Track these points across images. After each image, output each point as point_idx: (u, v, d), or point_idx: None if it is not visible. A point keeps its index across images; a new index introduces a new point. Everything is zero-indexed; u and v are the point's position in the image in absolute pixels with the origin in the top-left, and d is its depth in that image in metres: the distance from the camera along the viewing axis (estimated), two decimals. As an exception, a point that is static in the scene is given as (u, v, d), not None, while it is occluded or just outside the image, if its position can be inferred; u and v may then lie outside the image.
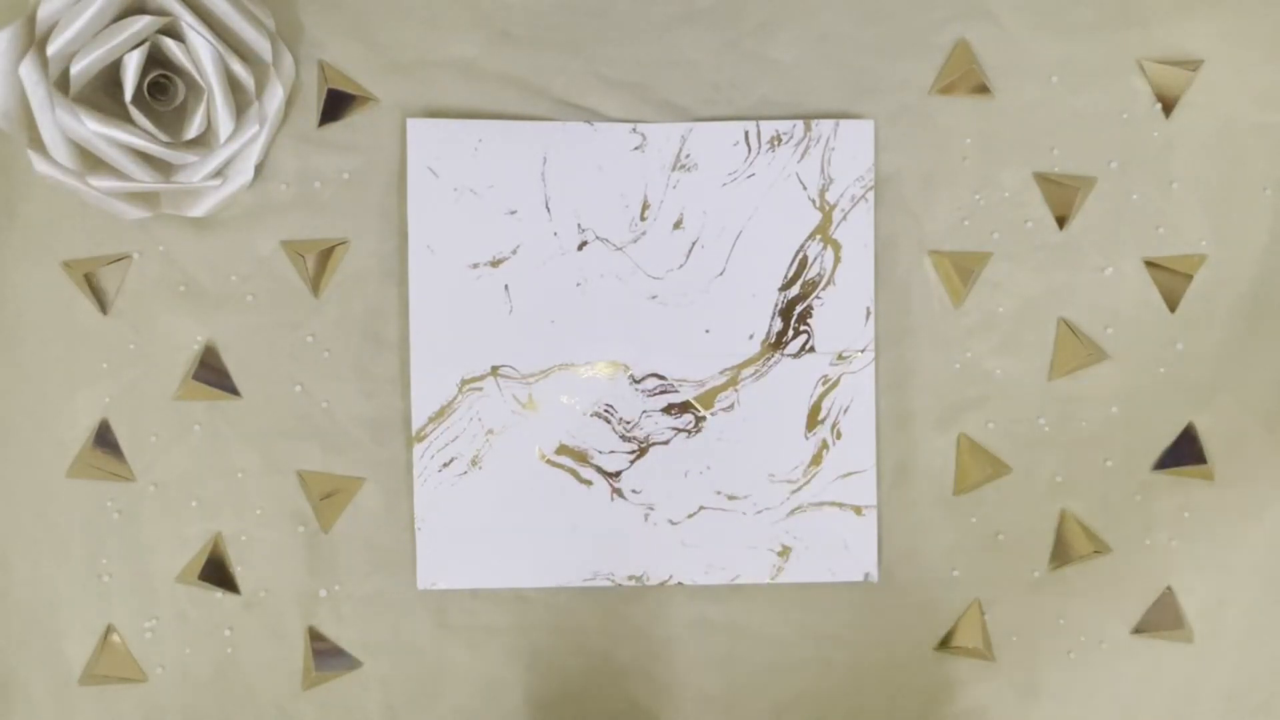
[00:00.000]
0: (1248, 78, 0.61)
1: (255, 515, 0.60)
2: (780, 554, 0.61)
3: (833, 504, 0.61)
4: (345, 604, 0.61)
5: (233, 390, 0.60)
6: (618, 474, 0.61)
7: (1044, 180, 0.61)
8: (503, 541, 0.60)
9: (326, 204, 0.60)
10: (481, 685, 0.61)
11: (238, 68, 0.56)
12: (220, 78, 0.56)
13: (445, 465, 0.60)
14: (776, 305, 0.61)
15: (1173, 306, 0.62)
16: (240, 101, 0.57)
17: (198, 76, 0.55)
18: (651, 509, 0.61)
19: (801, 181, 0.60)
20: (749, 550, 0.61)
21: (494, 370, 0.60)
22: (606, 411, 0.61)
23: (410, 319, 0.60)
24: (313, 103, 0.60)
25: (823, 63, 0.61)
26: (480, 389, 0.60)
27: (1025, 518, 0.62)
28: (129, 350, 0.60)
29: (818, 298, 0.61)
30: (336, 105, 0.60)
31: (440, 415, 0.60)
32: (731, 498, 0.61)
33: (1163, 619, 0.62)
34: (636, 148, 0.60)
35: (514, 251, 0.60)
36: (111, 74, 0.56)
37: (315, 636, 0.61)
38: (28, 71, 0.54)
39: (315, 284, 0.60)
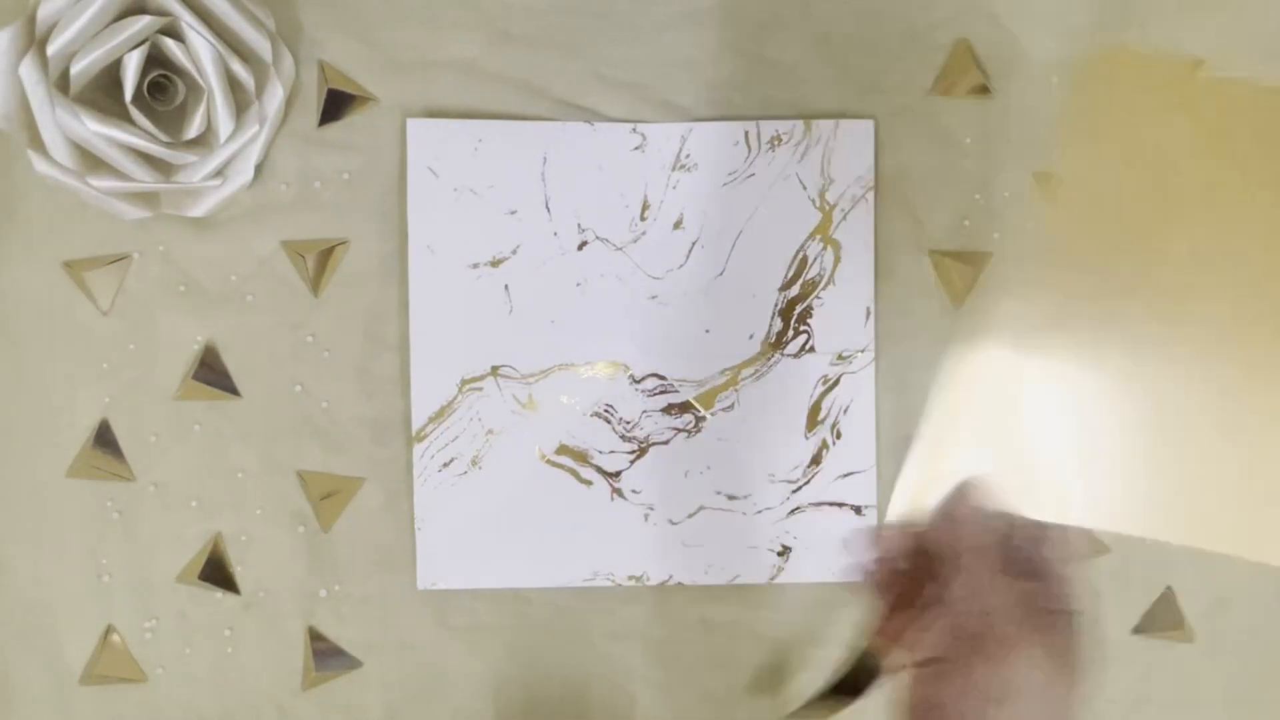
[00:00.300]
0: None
1: (255, 515, 0.60)
2: (780, 554, 0.61)
3: (833, 504, 0.61)
4: (345, 604, 0.61)
5: (233, 390, 0.60)
6: (618, 474, 0.61)
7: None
8: (503, 541, 0.60)
9: (326, 204, 0.60)
10: (481, 685, 0.61)
11: (238, 68, 0.56)
12: (220, 78, 0.56)
13: (445, 465, 0.60)
14: (776, 305, 0.61)
15: (1173, 306, 0.62)
16: (240, 101, 0.57)
17: (198, 76, 0.55)
18: (651, 509, 0.61)
19: (801, 181, 0.60)
20: (749, 550, 0.61)
21: (494, 370, 0.60)
22: (606, 411, 0.61)
23: (410, 319, 0.60)
24: (313, 103, 0.60)
25: (823, 63, 0.61)
26: (480, 389, 0.60)
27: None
28: (129, 350, 0.60)
29: (818, 298, 0.61)
30: (336, 105, 0.60)
31: (440, 415, 0.60)
32: (731, 498, 0.61)
33: (1163, 619, 0.62)
34: (636, 148, 0.60)
35: (514, 251, 0.60)
36: (111, 74, 0.56)
37: (315, 636, 0.61)
38: (28, 71, 0.54)
39: (315, 284, 0.60)
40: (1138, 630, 0.62)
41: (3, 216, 0.59)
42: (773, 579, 0.61)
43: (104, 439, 0.60)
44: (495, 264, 0.60)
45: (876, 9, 0.61)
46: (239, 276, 0.60)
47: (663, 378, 0.61)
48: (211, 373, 0.60)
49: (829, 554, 0.61)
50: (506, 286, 0.60)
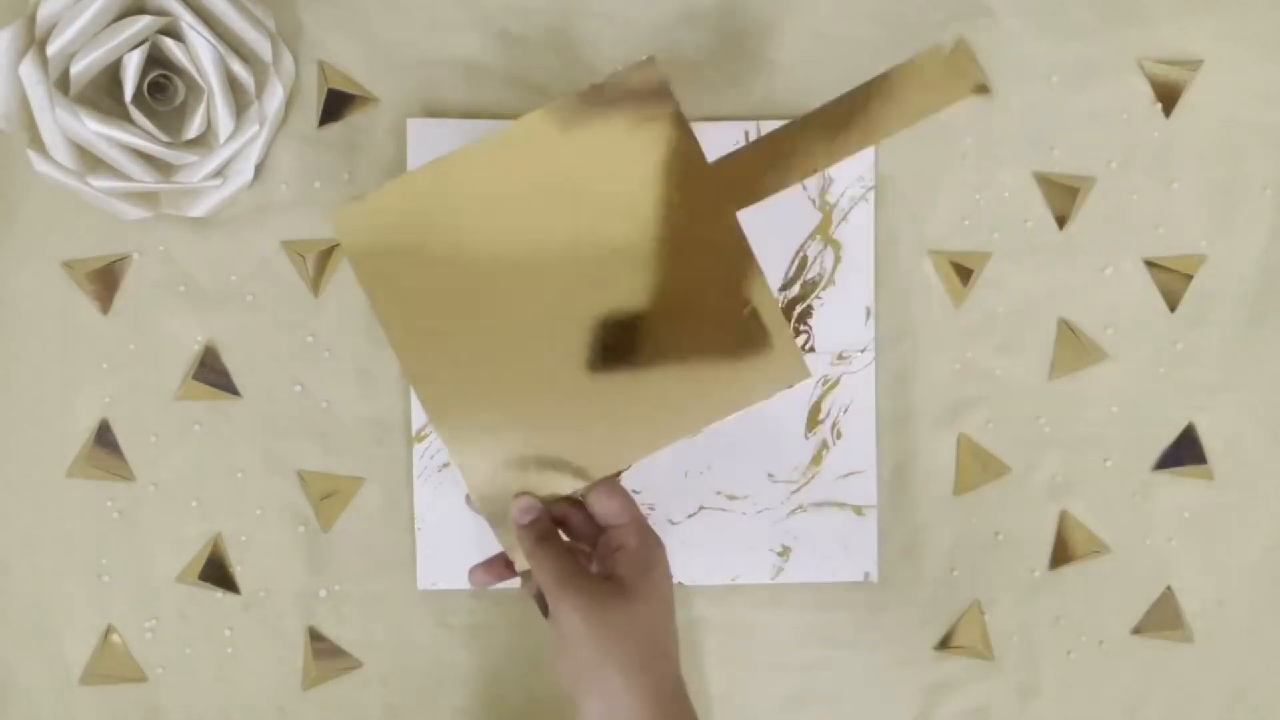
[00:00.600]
0: (1248, 78, 0.61)
1: (255, 515, 0.60)
2: (780, 554, 0.61)
3: (833, 504, 0.61)
4: (345, 604, 0.61)
5: (233, 390, 0.60)
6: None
7: (1044, 180, 0.61)
8: (503, 541, 0.60)
9: (326, 204, 0.60)
10: (481, 685, 0.61)
11: (238, 68, 0.56)
12: (220, 78, 0.56)
13: (445, 465, 0.60)
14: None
15: (1173, 306, 0.62)
16: (240, 101, 0.57)
17: (198, 76, 0.55)
18: (651, 509, 0.61)
19: (801, 182, 0.60)
20: (749, 550, 0.61)
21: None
22: (606, 411, 0.61)
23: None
24: (313, 103, 0.60)
25: (823, 63, 0.61)
26: (480, 389, 0.60)
27: (1025, 518, 0.62)
28: (129, 350, 0.60)
29: (818, 298, 0.61)
30: (336, 105, 0.60)
31: (440, 415, 0.60)
32: (731, 498, 0.61)
33: (1163, 619, 0.62)
34: (636, 148, 0.60)
35: (514, 251, 0.60)
36: (111, 74, 0.56)
37: (315, 636, 0.61)
38: (28, 71, 0.54)
39: (315, 284, 0.60)
40: (1138, 630, 0.62)
41: (3, 216, 0.59)
42: (773, 579, 0.61)
43: (104, 439, 0.60)
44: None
45: (876, 9, 0.61)
46: (239, 276, 0.60)
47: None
48: (211, 373, 0.60)
49: (829, 554, 0.61)
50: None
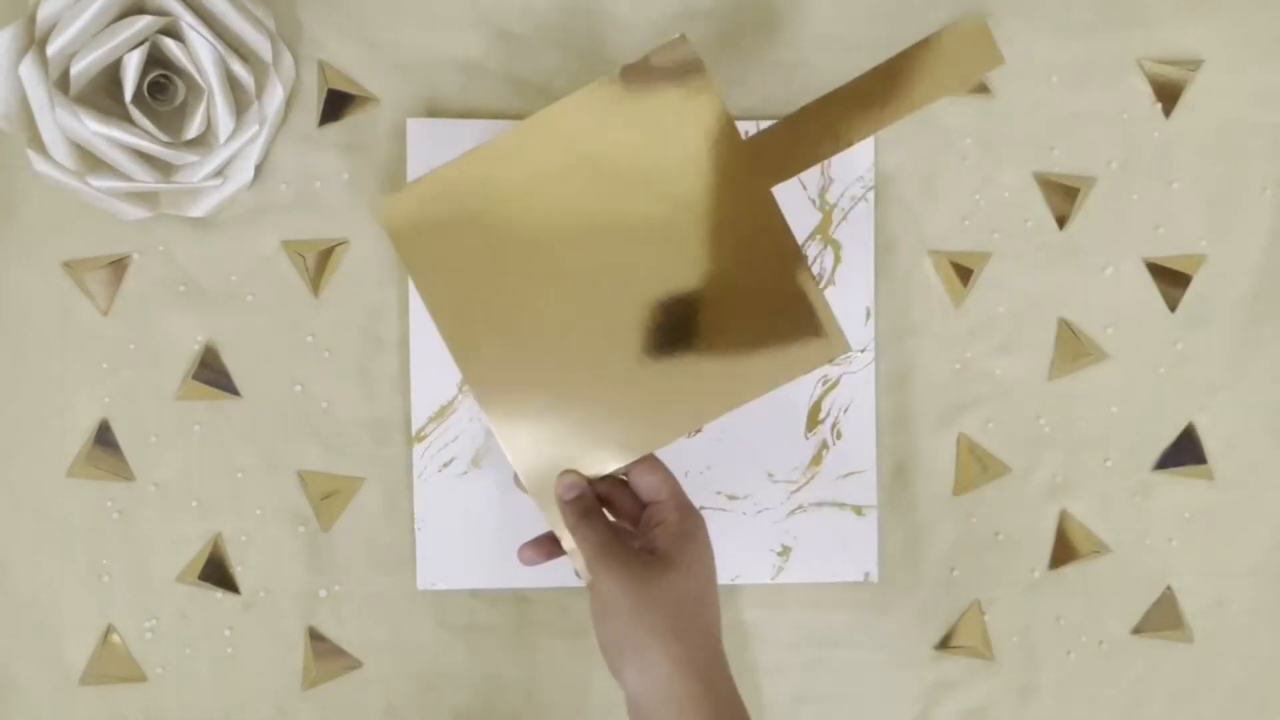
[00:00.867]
0: (1248, 78, 0.61)
1: (255, 515, 0.60)
2: (780, 554, 0.61)
3: (833, 504, 0.61)
4: (345, 604, 0.61)
5: (233, 390, 0.60)
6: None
7: (1044, 180, 0.61)
8: (503, 541, 0.60)
9: (326, 204, 0.60)
10: (481, 685, 0.61)
11: (238, 68, 0.56)
12: (220, 78, 0.56)
13: (445, 465, 0.60)
14: (776, 305, 0.61)
15: (1173, 306, 0.62)
16: (240, 101, 0.57)
17: (198, 76, 0.55)
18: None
19: (801, 181, 0.60)
20: (749, 550, 0.61)
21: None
22: (607, 411, 0.61)
23: (410, 319, 0.60)
24: (313, 103, 0.60)
25: (823, 63, 0.61)
26: (480, 389, 0.60)
27: (1025, 518, 0.62)
28: (129, 350, 0.60)
29: (818, 298, 0.61)
30: (336, 105, 0.60)
31: (440, 415, 0.60)
32: (731, 498, 0.61)
33: (1163, 619, 0.62)
34: (637, 148, 0.60)
35: (514, 251, 0.60)
36: (111, 74, 0.56)
37: (315, 636, 0.61)
38: (28, 71, 0.54)
39: (315, 284, 0.60)
40: (1138, 630, 0.62)
41: (3, 216, 0.59)
42: (773, 579, 0.61)
43: (104, 439, 0.60)
44: (495, 264, 0.60)
45: (877, 9, 0.61)
46: (239, 276, 0.60)
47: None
48: (211, 373, 0.60)
49: (829, 554, 0.61)
50: (506, 286, 0.60)
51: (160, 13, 0.55)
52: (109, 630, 0.60)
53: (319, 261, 0.60)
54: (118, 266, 0.60)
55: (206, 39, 0.55)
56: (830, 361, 0.53)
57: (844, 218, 0.61)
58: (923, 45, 0.50)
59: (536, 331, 0.52)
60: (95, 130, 0.54)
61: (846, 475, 0.61)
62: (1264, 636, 0.62)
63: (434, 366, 0.60)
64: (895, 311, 0.61)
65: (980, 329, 0.62)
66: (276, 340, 0.60)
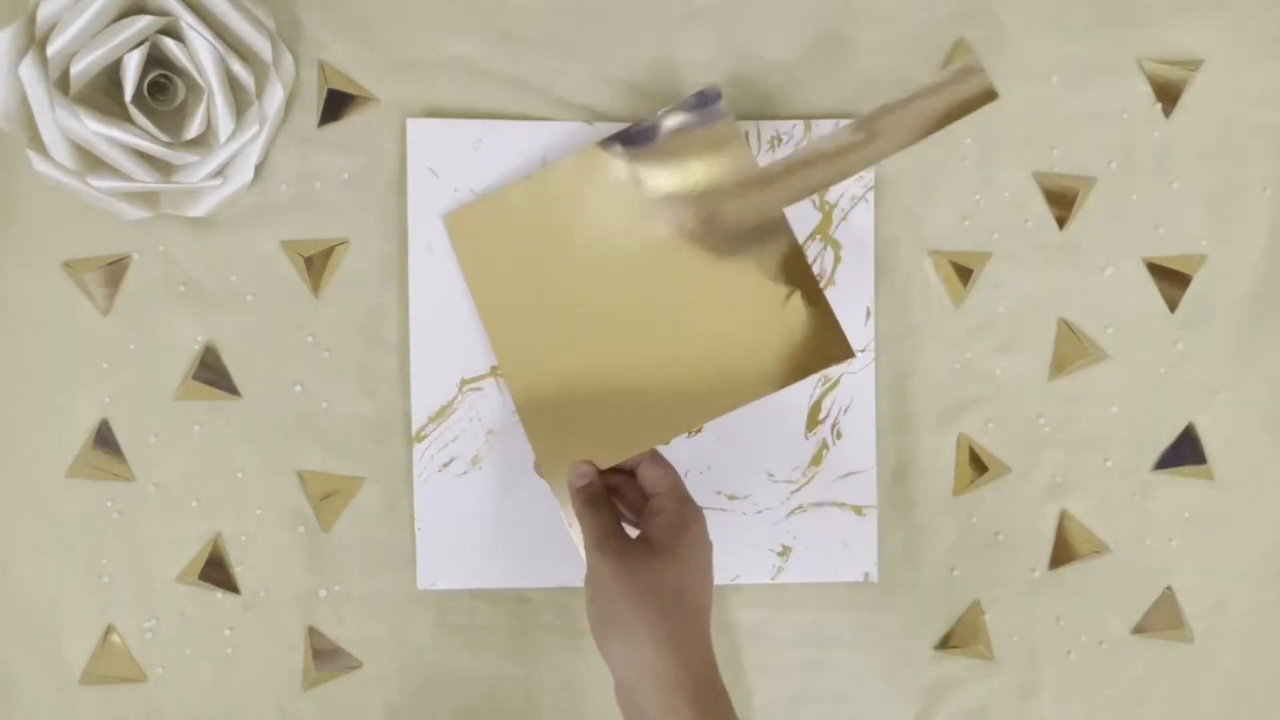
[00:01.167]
0: (1248, 78, 0.61)
1: (255, 515, 0.60)
2: (780, 554, 0.61)
3: (833, 504, 0.61)
4: (345, 604, 0.61)
5: (233, 390, 0.60)
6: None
7: (1044, 180, 0.61)
8: (503, 541, 0.60)
9: (326, 204, 0.60)
10: (481, 685, 0.61)
11: (238, 68, 0.56)
12: (220, 78, 0.56)
13: (445, 465, 0.60)
14: (776, 305, 0.61)
15: (1173, 306, 0.62)
16: (240, 101, 0.57)
17: (198, 76, 0.55)
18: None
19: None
20: (749, 550, 0.61)
21: (494, 370, 0.60)
22: (607, 411, 0.61)
23: (410, 319, 0.60)
24: (313, 103, 0.60)
25: (823, 63, 0.61)
26: (480, 389, 0.60)
27: (1025, 518, 0.62)
28: (129, 350, 0.60)
29: (818, 298, 0.61)
30: (336, 105, 0.60)
31: (440, 415, 0.60)
32: (731, 498, 0.61)
33: (1163, 619, 0.62)
34: (637, 148, 0.61)
35: (514, 251, 0.61)
36: (111, 74, 0.56)
37: (315, 636, 0.61)
38: (28, 71, 0.54)
39: (315, 284, 0.60)
40: (1138, 630, 0.62)
41: (3, 216, 0.59)
42: (773, 579, 0.61)
43: (104, 439, 0.60)
44: (495, 264, 0.61)
45: (877, 9, 0.61)
46: (239, 276, 0.60)
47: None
48: (211, 373, 0.60)
49: (829, 554, 0.61)
50: (507, 286, 0.61)
51: (160, 13, 0.55)
52: (109, 630, 0.60)
53: (319, 261, 0.60)
54: (118, 266, 0.60)
55: (206, 39, 0.55)
56: (835, 364, 0.56)
57: (844, 218, 0.61)
58: (925, 89, 0.54)
59: (566, 331, 0.57)
60: (95, 130, 0.54)
61: (846, 475, 0.61)
62: (1264, 636, 0.62)
63: (434, 366, 0.60)
64: (895, 311, 0.61)
65: (980, 329, 0.62)
66: (276, 340, 0.60)
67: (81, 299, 0.60)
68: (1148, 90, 0.61)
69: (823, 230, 0.61)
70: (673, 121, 0.58)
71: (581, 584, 0.61)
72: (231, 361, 0.60)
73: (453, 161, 0.60)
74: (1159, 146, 0.61)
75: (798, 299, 0.56)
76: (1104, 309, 0.62)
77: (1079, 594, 0.62)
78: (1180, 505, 0.62)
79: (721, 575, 0.61)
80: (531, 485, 0.60)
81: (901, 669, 0.62)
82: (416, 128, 0.59)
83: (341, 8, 0.60)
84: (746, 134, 0.60)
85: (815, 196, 0.61)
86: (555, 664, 0.61)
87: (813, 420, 0.61)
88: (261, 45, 0.57)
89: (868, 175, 0.61)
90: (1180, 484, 0.62)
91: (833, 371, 0.61)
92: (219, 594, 0.60)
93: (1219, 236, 0.62)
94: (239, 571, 0.60)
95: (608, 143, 0.58)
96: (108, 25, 0.54)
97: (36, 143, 0.55)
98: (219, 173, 0.58)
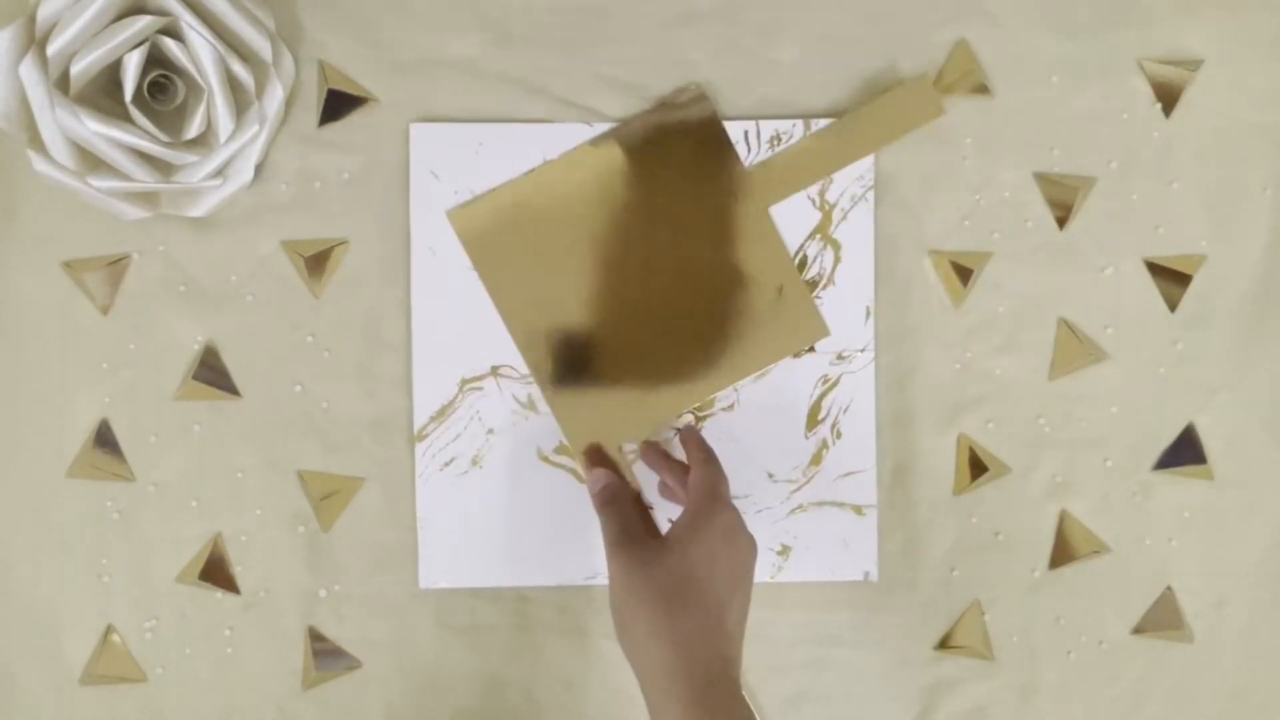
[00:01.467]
0: (1248, 78, 0.61)
1: (255, 515, 0.60)
2: (780, 554, 0.61)
3: (833, 504, 0.61)
4: (345, 604, 0.61)
5: (233, 390, 0.60)
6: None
7: (1044, 180, 0.61)
8: (503, 541, 0.61)
9: (326, 204, 0.60)
10: (481, 685, 0.61)
11: (238, 68, 0.56)
12: (220, 78, 0.56)
13: (446, 465, 0.60)
14: (776, 305, 0.61)
15: (1173, 306, 0.62)
16: (240, 101, 0.57)
17: (198, 76, 0.55)
18: (652, 508, 0.61)
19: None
20: (749, 550, 0.61)
21: (494, 370, 0.60)
22: (607, 411, 0.61)
23: (411, 319, 0.60)
24: (313, 103, 0.60)
25: (823, 63, 0.61)
26: (480, 389, 0.60)
27: (1025, 518, 0.62)
28: (129, 350, 0.60)
29: (818, 297, 0.61)
30: (336, 105, 0.60)
31: (441, 415, 0.60)
32: (732, 497, 0.61)
33: (1163, 619, 0.62)
34: (637, 148, 0.61)
35: (514, 251, 0.61)
36: (111, 74, 0.56)
37: (315, 636, 0.61)
38: (28, 71, 0.54)
39: (315, 284, 0.60)
40: (1138, 630, 0.62)
41: (3, 216, 0.59)
42: (773, 579, 0.61)
43: (104, 439, 0.60)
44: (495, 264, 0.61)
45: (876, 9, 0.61)
46: (239, 276, 0.60)
47: (663, 378, 0.61)
48: (211, 373, 0.60)
49: (829, 554, 0.61)
50: (507, 286, 0.61)
51: (160, 13, 0.55)
52: (109, 630, 0.60)
53: (319, 261, 0.60)
54: (118, 266, 0.60)
55: (206, 39, 0.55)
56: (811, 346, 0.60)
57: (844, 217, 0.61)
58: (888, 97, 0.60)
59: (578, 319, 0.60)
60: (95, 130, 0.54)
61: (846, 475, 0.61)
62: (1264, 636, 0.62)
63: (435, 366, 0.60)
64: (895, 311, 0.61)
65: (980, 329, 0.62)
66: (276, 340, 0.60)
67: (81, 299, 0.60)
68: (1148, 90, 0.61)
69: (823, 230, 0.61)
70: (659, 119, 0.60)
71: (583, 584, 0.61)
72: (231, 361, 0.60)
73: (454, 164, 0.60)
74: (1159, 146, 0.61)
75: (780, 288, 0.60)
76: (1104, 309, 0.62)
77: (1079, 594, 0.62)
78: (1180, 505, 0.62)
79: (721, 575, 0.61)
80: (532, 485, 0.61)
81: (901, 669, 0.62)
82: (419, 132, 0.60)
83: (341, 8, 0.60)
84: (745, 133, 0.60)
85: (815, 196, 0.61)
86: (555, 664, 0.61)
87: (813, 420, 0.61)
88: (261, 45, 0.57)
89: (867, 175, 0.61)
90: (1180, 484, 0.62)
91: (833, 371, 0.61)
92: (219, 594, 0.60)
93: (1219, 236, 0.62)
94: (239, 571, 0.60)
95: (599, 140, 0.60)
96: (108, 25, 0.54)
97: (36, 143, 0.55)
98: (219, 173, 0.58)
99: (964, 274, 0.61)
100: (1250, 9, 0.61)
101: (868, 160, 0.60)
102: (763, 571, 0.61)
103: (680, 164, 0.60)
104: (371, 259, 0.60)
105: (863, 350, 0.61)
